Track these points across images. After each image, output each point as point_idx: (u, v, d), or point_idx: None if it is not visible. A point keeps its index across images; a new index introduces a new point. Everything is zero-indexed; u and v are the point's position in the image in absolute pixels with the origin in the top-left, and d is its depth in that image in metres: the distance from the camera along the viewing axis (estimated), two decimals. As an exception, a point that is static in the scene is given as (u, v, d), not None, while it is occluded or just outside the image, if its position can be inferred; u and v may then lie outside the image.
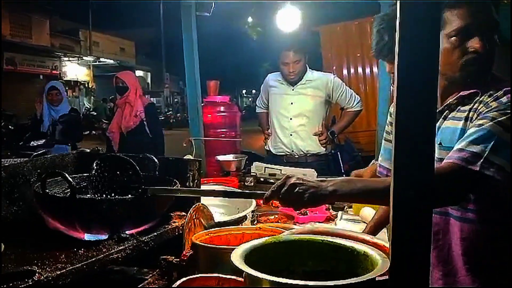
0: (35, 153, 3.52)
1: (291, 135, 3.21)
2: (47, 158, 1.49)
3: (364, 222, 1.99)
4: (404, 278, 0.79)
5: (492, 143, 1.05)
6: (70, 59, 20.84)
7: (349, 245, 0.95)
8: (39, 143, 4.17)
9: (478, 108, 1.18)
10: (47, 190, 1.12)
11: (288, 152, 3.23)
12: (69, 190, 1.27)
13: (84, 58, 21.36)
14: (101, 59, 22.47)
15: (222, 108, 3.25)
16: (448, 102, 1.26)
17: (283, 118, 3.24)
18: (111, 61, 23.31)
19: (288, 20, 3.25)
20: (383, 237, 1.55)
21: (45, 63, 18.94)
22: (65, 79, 19.05)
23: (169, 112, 25.71)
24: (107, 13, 23.30)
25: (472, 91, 1.22)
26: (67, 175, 1.09)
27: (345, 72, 6.50)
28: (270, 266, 0.92)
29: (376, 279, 0.86)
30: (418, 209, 0.78)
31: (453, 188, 1.06)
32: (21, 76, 16.73)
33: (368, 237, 1.27)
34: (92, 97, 22.19)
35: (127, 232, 1.16)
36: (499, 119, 1.08)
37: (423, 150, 0.79)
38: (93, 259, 0.99)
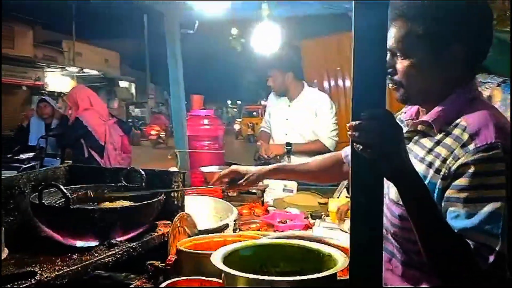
0: (24, 166, 3.62)
1: (287, 145, 3.26)
2: (40, 171, 1.59)
3: (342, 230, 2.10)
4: (360, 273, 0.91)
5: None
6: (53, 70, 20.75)
7: (316, 248, 1.08)
8: (28, 156, 4.24)
9: (442, 154, 1.11)
10: (43, 201, 1.22)
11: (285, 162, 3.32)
12: (62, 200, 1.39)
13: (67, 69, 21.28)
14: (85, 70, 22.40)
15: (206, 122, 3.37)
16: (418, 127, 1.23)
17: (279, 133, 3.33)
18: (95, 72, 23.25)
19: (268, 36, 3.39)
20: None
21: (27, 74, 18.81)
22: (48, 90, 18.95)
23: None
24: (91, 24, 23.32)
25: (425, 119, 1.20)
26: (62, 186, 1.20)
27: (326, 85, 6.68)
28: (246, 267, 1.04)
29: (338, 278, 0.99)
30: (371, 214, 0.91)
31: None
32: (3, 87, 16.58)
33: (337, 242, 1.40)
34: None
35: (116, 238, 1.26)
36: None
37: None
38: (87, 262, 1.10)
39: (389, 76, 1.20)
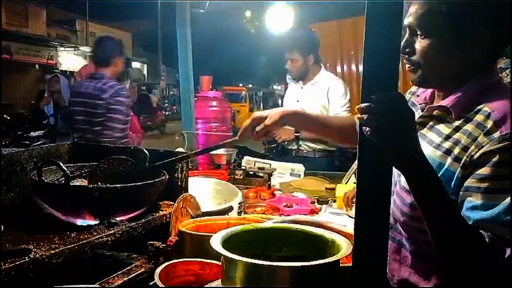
0: (34, 144, 3.63)
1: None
2: (43, 148, 1.57)
3: (349, 216, 2.06)
4: (364, 261, 0.88)
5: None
6: (66, 49, 20.79)
7: (319, 233, 1.04)
8: (38, 134, 4.25)
9: (461, 141, 1.03)
10: (43, 178, 1.20)
11: (295, 148, 3.25)
12: (63, 178, 1.37)
13: (80, 48, 21.30)
14: (98, 50, 22.36)
15: (214, 103, 3.33)
16: (434, 112, 1.16)
17: None
18: (108, 52, 23.21)
19: (280, 18, 3.32)
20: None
21: (41, 53, 18.89)
22: (60, 69, 19.00)
23: (165, 104, 25.66)
24: (104, 3, 23.19)
25: (443, 104, 1.12)
26: (61, 163, 1.17)
27: (338, 69, 6.58)
28: (247, 251, 1.01)
29: (341, 264, 0.95)
30: (377, 202, 0.87)
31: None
32: (16, 65, 16.69)
33: (344, 229, 1.36)
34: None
35: (117, 218, 1.24)
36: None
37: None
38: (84, 241, 1.08)
39: (407, 56, 1.12)
